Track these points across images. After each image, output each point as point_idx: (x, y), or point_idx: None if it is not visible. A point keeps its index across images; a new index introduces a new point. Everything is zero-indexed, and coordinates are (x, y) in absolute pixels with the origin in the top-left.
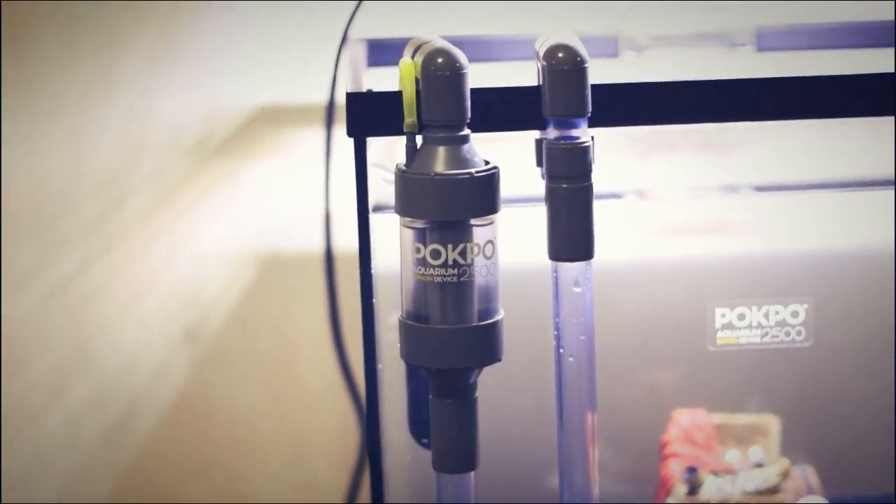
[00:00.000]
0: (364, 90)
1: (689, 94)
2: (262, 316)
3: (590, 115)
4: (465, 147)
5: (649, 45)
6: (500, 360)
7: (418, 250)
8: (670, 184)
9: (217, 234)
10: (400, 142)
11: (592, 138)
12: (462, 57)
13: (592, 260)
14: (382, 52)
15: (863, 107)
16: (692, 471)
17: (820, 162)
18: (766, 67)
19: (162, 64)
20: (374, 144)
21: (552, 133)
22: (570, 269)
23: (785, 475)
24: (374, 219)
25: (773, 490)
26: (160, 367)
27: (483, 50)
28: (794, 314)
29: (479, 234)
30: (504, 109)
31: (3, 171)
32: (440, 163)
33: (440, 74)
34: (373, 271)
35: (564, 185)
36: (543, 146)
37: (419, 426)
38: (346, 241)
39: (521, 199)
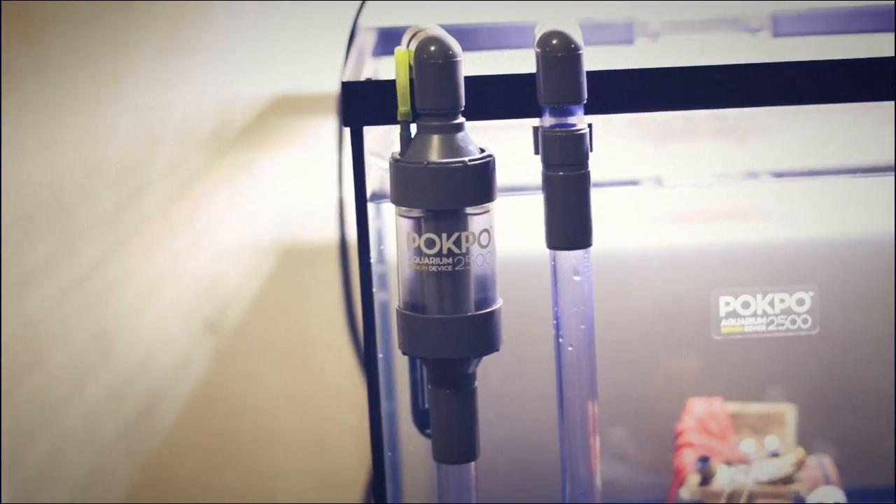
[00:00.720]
0: (363, 79)
1: (686, 79)
2: (282, 307)
3: (586, 101)
4: (460, 135)
5: (664, 32)
6: (497, 350)
7: (413, 239)
8: (683, 171)
9: (235, 224)
10: (398, 130)
11: (590, 126)
12: (455, 45)
13: (592, 248)
14: (393, 41)
15: (861, 92)
16: (704, 460)
17: (823, 149)
18: (782, 53)
19: (176, 56)
20: (374, 132)
21: (548, 121)
22: (569, 257)
23: (799, 465)
24: (384, 207)
25: (787, 480)
26: (180, 359)
27: (496, 38)
28: (800, 302)
29: (475, 222)
30: (500, 97)
31: (21, 165)
32: (434, 151)
33: (433, 62)
34: (385, 259)
35: (561, 174)
36: (539, 134)
37: (422, 417)
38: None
39: (523, 188)
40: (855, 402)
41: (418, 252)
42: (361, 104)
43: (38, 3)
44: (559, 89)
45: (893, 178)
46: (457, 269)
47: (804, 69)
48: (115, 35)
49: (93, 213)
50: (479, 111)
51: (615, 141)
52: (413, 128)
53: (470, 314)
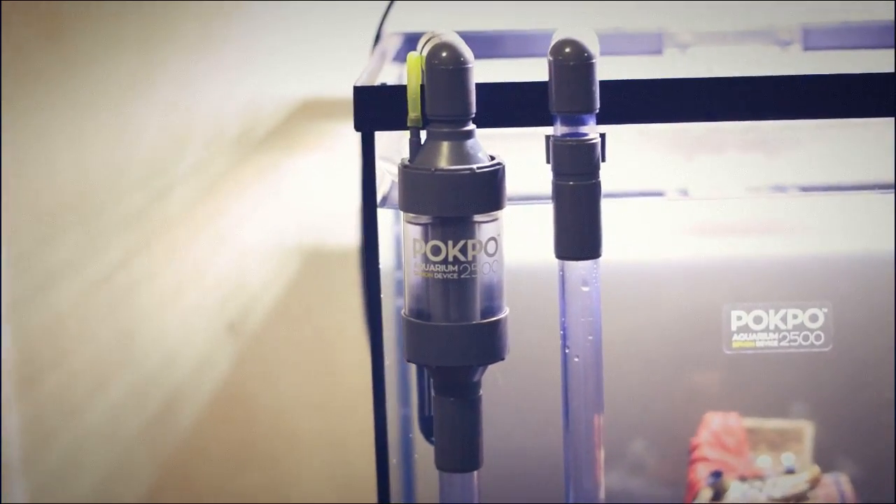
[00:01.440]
0: (378, 83)
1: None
2: (304, 309)
3: (607, 110)
4: (469, 142)
5: (693, 43)
6: (503, 359)
7: (420, 246)
8: (708, 183)
9: (259, 227)
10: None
11: (602, 135)
12: (467, 51)
13: (603, 259)
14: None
15: (890, 107)
16: (717, 475)
17: (847, 163)
18: (812, 67)
19: (206, 56)
20: (384, 138)
21: (559, 129)
22: (577, 267)
23: (814, 483)
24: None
25: (801, 497)
26: (202, 359)
27: (524, 45)
28: (814, 318)
29: (483, 230)
30: (512, 105)
31: (47, 163)
32: (443, 158)
33: (443, 69)
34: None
35: (571, 183)
36: (550, 143)
37: (428, 424)
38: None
39: (538, 197)
40: (868, 421)
41: (424, 259)
42: (373, 109)
43: (67, 1)
44: (571, 98)
45: (894, 195)
46: (462, 276)
47: (832, 82)
48: (145, 34)
49: (119, 212)
50: (491, 119)
51: (645, 152)
52: (423, 134)
53: (475, 322)
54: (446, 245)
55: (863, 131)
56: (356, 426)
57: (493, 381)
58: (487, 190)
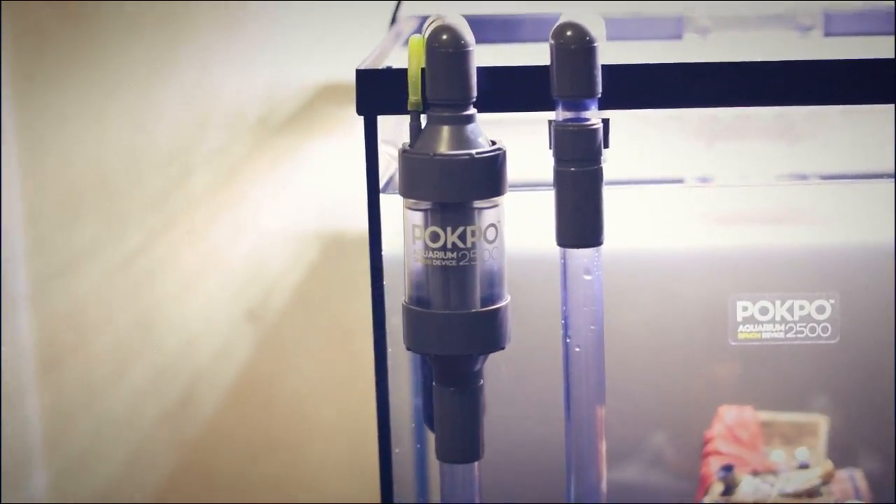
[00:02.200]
0: (384, 67)
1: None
2: (324, 296)
3: (599, 95)
4: (470, 127)
5: (714, 28)
6: (503, 348)
7: (419, 233)
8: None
9: (279, 212)
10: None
11: (605, 121)
12: (468, 34)
13: (608, 247)
14: None
15: (884, 94)
16: (728, 469)
17: (866, 152)
18: (833, 52)
19: (225, 40)
20: (391, 121)
21: (561, 114)
22: (579, 256)
23: (827, 478)
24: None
25: (813, 493)
26: (222, 345)
27: (540, 29)
28: (821, 309)
29: (483, 216)
30: (513, 89)
31: (68, 146)
32: (442, 143)
33: (444, 51)
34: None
35: (572, 169)
36: (552, 128)
37: (431, 414)
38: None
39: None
40: (877, 416)
41: (424, 246)
42: (375, 93)
43: None
44: (572, 82)
45: (894, 185)
46: (461, 263)
47: (851, 68)
48: (166, 16)
49: (138, 196)
50: (492, 103)
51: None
52: (424, 119)
53: (475, 310)
54: (445, 231)
55: (885, 118)
56: (375, 413)
57: (497, 371)
58: (487, 175)
